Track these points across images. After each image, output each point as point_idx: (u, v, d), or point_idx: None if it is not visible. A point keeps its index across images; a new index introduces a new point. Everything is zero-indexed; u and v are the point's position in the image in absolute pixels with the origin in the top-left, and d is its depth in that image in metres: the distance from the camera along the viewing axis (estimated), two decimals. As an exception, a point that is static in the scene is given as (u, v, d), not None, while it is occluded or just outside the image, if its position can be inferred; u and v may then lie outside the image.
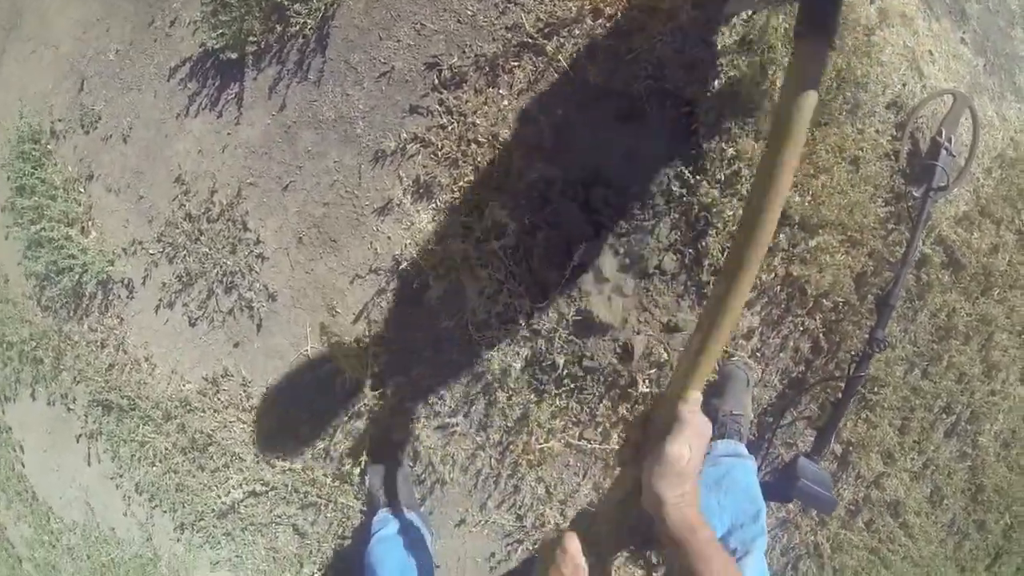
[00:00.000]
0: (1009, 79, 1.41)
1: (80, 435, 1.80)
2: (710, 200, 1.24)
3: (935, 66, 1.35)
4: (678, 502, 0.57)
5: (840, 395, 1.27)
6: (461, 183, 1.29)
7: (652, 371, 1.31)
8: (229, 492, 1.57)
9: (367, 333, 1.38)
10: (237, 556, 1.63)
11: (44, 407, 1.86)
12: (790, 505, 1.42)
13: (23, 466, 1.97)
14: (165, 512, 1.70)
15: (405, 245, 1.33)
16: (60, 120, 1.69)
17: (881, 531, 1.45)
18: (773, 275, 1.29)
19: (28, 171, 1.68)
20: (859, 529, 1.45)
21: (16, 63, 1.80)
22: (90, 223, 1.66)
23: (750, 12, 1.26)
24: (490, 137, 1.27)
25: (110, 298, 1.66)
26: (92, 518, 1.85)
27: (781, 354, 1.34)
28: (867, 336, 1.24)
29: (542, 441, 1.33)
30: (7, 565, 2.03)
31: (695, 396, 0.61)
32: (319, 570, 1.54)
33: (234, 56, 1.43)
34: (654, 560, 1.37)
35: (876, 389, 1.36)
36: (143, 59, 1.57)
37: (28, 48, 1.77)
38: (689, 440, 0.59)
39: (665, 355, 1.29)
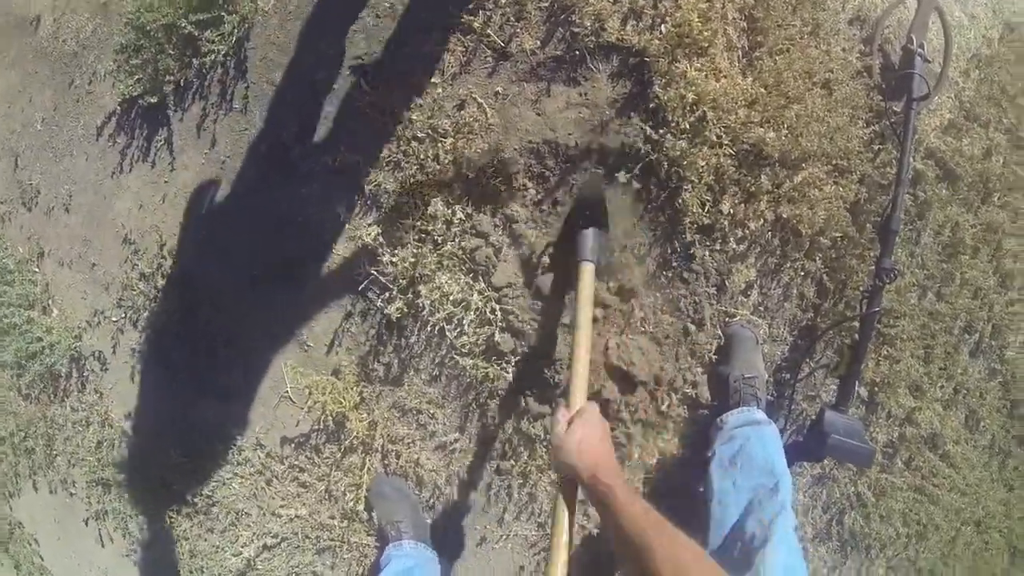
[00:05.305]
0: (969, -28, 1.21)
1: (87, 518, 1.60)
2: (679, 152, 1.04)
3: (891, -29, 1.15)
4: (584, 465, 0.66)
5: (857, 336, 1.06)
6: (407, 185, 1.08)
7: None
8: (240, 551, 1.36)
9: (342, 363, 1.17)
10: (264, 614, 1.43)
11: (47, 496, 1.65)
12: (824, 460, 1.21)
13: (42, 559, 1.77)
14: (184, 581, 1.50)
15: (363, 264, 1.13)
16: (2, 203, 1.49)
17: (923, 467, 1.25)
18: (762, 221, 1.08)
19: (-21, 261, 1.48)
20: (899, 470, 1.24)
21: (-52, 156, 1.61)
22: (50, 301, 1.46)
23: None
24: (429, 131, 1.07)
25: (85, 374, 1.46)
26: (118, 598, 1.65)
27: (786, 304, 1.14)
28: (874, 268, 1.04)
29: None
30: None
31: (574, 402, 0.79)
32: (347, 615, 1.34)
33: (154, 100, 1.23)
34: None
35: (892, 322, 1.15)
36: (69, 122, 1.37)
37: (-42, 138, 1.57)
38: (565, 418, 0.74)
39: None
